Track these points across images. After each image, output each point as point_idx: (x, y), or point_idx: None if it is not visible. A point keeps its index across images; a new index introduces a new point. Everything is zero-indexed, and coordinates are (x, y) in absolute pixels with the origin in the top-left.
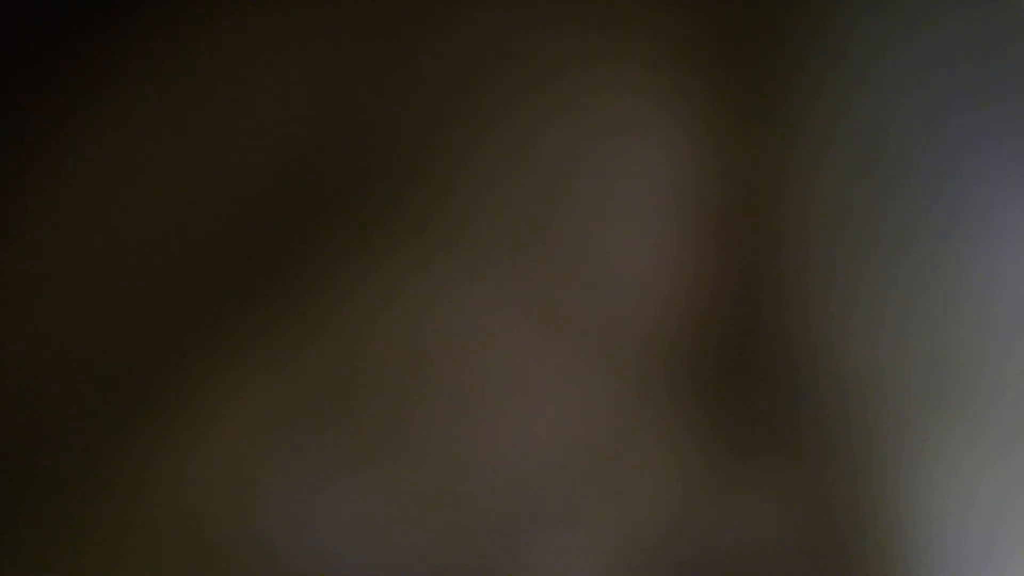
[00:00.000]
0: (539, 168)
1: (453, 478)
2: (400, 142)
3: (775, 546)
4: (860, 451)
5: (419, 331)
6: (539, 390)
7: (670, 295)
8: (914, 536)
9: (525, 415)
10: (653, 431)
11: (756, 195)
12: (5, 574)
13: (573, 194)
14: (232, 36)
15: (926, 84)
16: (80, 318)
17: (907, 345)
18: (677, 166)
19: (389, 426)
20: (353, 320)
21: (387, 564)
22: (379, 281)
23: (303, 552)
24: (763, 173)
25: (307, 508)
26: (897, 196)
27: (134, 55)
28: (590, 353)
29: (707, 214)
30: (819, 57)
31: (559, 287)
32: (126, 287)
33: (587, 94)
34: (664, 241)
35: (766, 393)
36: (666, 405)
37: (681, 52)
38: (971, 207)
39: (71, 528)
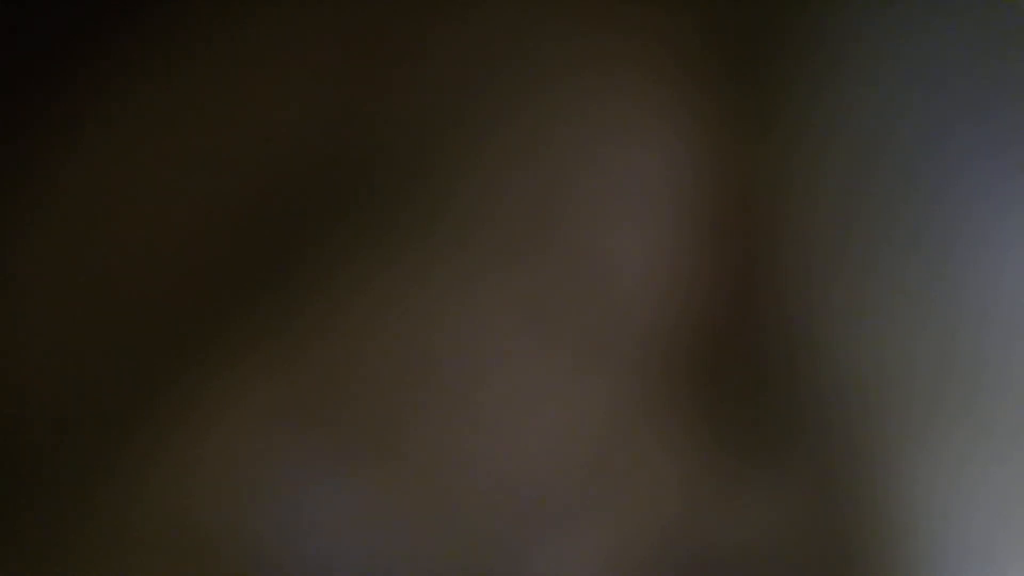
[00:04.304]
0: (540, 174)
1: (455, 481)
2: (402, 147)
3: (775, 547)
4: (861, 452)
5: (420, 335)
6: (539, 393)
7: (670, 299)
8: (915, 538)
9: (525, 418)
10: (652, 434)
11: (756, 201)
12: (6, 574)
13: (574, 200)
14: (236, 39)
15: (928, 91)
16: (82, 321)
17: (909, 348)
18: (678, 172)
19: (390, 429)
20: (355, 324)
21: (388, 566)
22: (381, 286)
23: (303, 555)
24: (763, 179)
25: (307, 511)
26: (899, 201)
27: (138, 57)
28: (590, 356)
29: (707, 220)
30: (820, 64)
31: (559, 291)
32: (129, 289)
33: (588, 101)
34: (664, 246)
35: (766, 396)
36: (666, 408)
37: (682, 59)
38: (974, 212)
39: (71, 530)
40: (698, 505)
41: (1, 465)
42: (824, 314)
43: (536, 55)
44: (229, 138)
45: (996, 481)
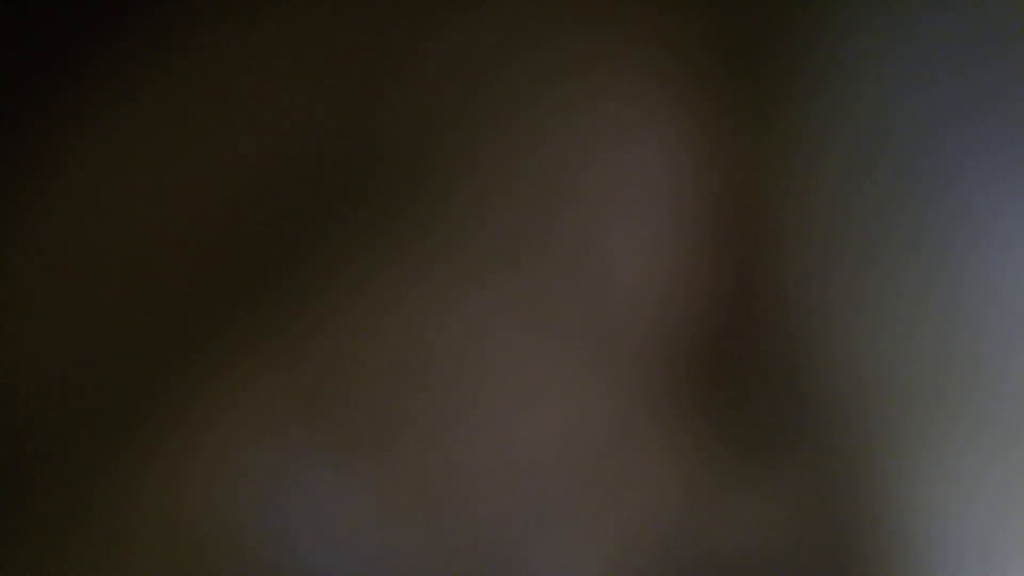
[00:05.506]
0: (539, 175)
1: (455, 481)
2: (403, 148)
3: (775, 547)
4: (860, 452)
5: (421, 334)
6: (539, 393)
7: (670, 300)
8: (914, 536)
9: (525, 418)
10: (653, 433)
11: (755, 201)
12: (5, 574)
13: (573, 200)
14: (236, 40)
15: (925, 90)
16: (82, 321)
17: (907, 347)
18: (678, 172)
19: (390, 430)
20: (355, 324)
21: (387, 565)
22: (381, 285)
23: (301, 555)
24: (762, 179)
25: (306, 511)
26: (897, 200)
27: (139, 59)
28: (590, 356)
29: (706, 220)
30: (818, 64)
31: (559, 292)
32: (130, 290)
33: (587, 102)
34: (664, 246)
35: (766, 395)
36: (666, 408)
37: (681, 60)
38: (971, 210)
39: (70, 530)
40: (698, 506)
41: (1, 465)
42: (823, 313)
43: (536, 56)
44: (229, 139)
45: (995, 480)
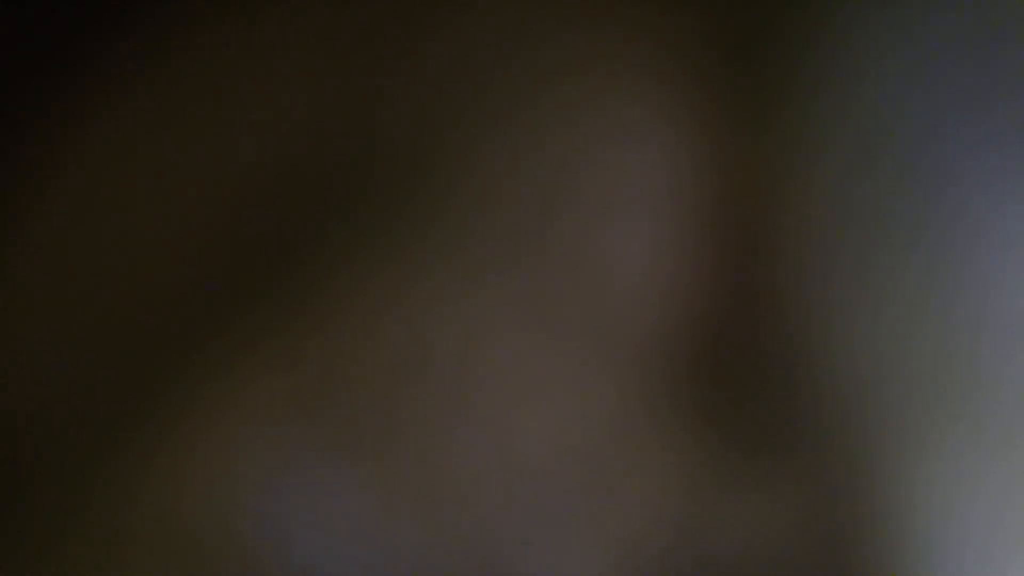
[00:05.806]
0: (539, 175)
1: (454, 482)
2: (403, 148)
3: (775, 547)
4: (860, 452)
5: (421, 335)
6: (539, 393)
7: (670, 300)
8: (914, 536)
9: (525, 418)
10: (653, 434)
11: (755, 200)
12: (5, 574)
13: (573, 201)
14: (236, 40)
15: (925, 89)
16: (81, 321)
17: (907, 346)
18: (678, 172)
19: (390, 429)
20: (355, 324)
21: (386, 565)
22: (381, 285)
23: (303, 554)
24: (762, 178)
25: (305, 511)
26: (897, 198)
27: (138, 60)
28: (590, 357)
29: (706, 220)
30: (818, 63)
31: (559, 292)
32: (128, 290)
33: (587, 102)
34: (663, 247)
35: (766, 395)
36: (666, 408)
37: (681, 60)
38: (971, 209)
39: (69, 530)
40: (698, 506)
41: (1, 465)
42: (823, 313)
43: (536, 56)
44: (229, 139)
45: (995, 480)
